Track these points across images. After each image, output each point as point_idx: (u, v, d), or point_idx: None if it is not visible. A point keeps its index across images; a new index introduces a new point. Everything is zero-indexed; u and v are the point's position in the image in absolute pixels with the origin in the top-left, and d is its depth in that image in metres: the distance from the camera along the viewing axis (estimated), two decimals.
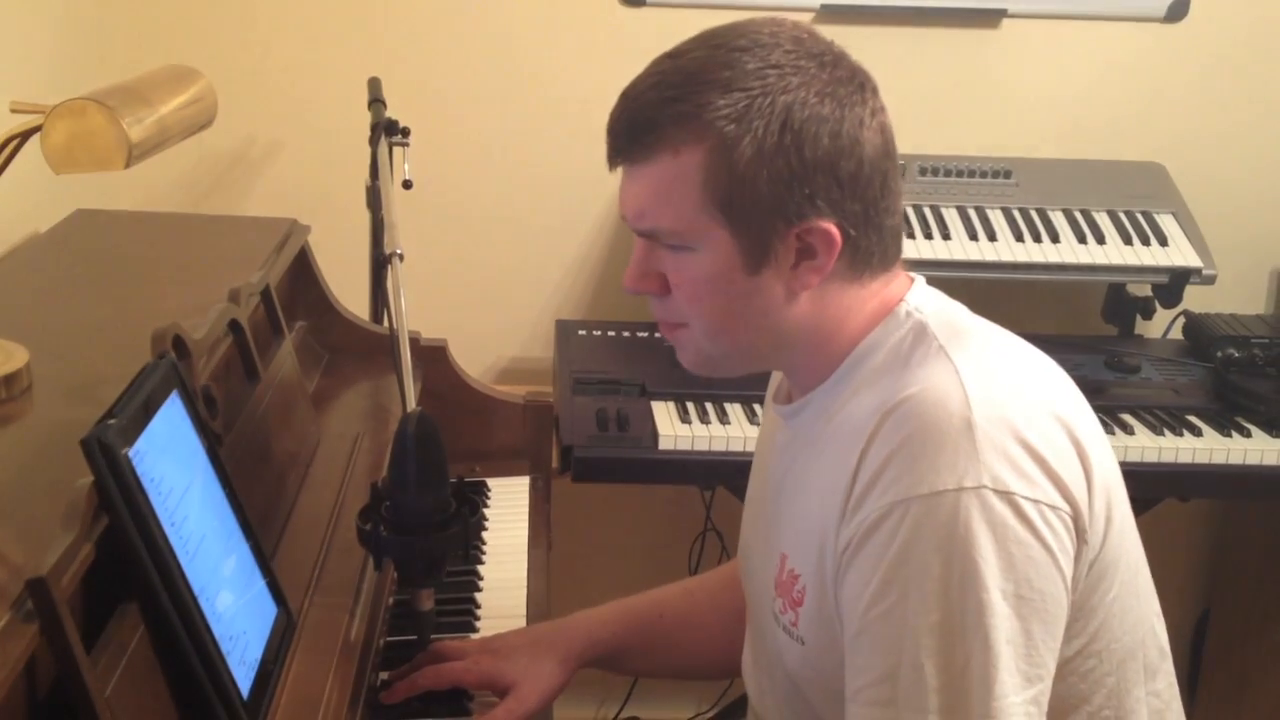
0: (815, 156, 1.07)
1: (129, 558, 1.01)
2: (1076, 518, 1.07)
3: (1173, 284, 2.35)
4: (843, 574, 1.10)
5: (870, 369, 1.14)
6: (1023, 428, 1.06)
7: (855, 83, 1.10)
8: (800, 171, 1.07)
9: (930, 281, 1.22)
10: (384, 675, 1.38)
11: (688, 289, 1.14)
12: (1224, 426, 2.12)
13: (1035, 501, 1.04)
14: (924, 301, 1.17)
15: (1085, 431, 1.11)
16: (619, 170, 1.14)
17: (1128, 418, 2.13)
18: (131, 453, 1.02)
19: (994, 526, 1.02)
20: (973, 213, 2.37)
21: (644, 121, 1.10)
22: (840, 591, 1.11)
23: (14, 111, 1.30)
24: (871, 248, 1.13)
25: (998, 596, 1.02)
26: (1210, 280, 2.35)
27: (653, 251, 1.15)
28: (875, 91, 1.13)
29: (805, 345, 1.16)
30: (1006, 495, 1.03)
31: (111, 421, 1.01)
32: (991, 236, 2.33)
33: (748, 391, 2.11)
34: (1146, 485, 2.05)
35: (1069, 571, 1.07)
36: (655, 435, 2.00)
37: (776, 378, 1.34)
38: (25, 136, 1.29)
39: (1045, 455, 1.06)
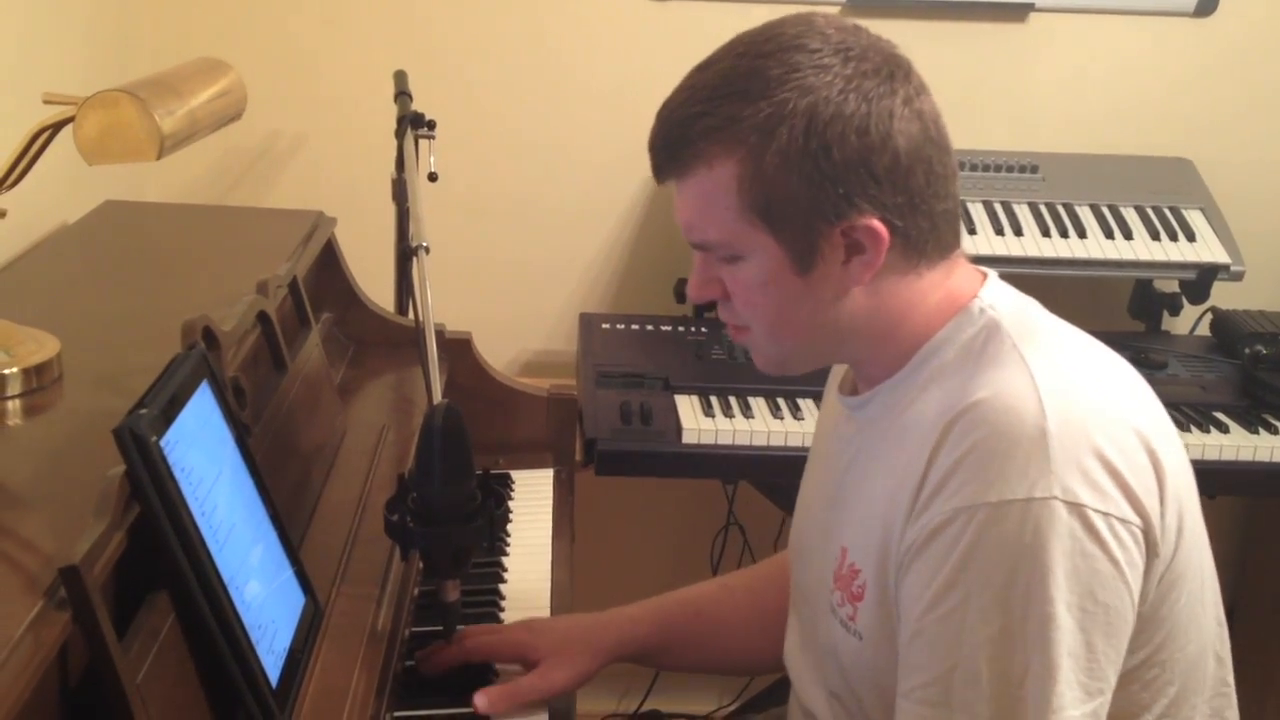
0: (845, 156, 1.07)
1: (160, 546, 1.01)
2: (1147, 531, 1.05)
3: (1200, 280, 2.33)
4: (903, 574, 1.09)
5: (940, 365, 1.13)
6: (1098, 438, 1.04)
7: (884, 73, 1.09)
8: (831, 173, 1.07)
9: None
10: (410, 664, 1.39)
11: (743, 295, 1.15)
12: (1251, 423, 2.10)
13: (1105, 515, 1.03)
14: (998, 298, 1.16)
15: (1161, 442, 1.10)
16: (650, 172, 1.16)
17: None
18: (163, 442, 1.03)
19: (1061, 538, 1.01)
20: (999, 208, 2.37)
21: (677, 139, 1.11)
22: (900, 591, 1.10)
23: (47, 103, 1.31)
24: (924, 236, 1.12)
25: (1062, 609, 1.02)
26: (1238, 276, 2.33)
27: (709, 260, 1.16)
28: (908, 77, 1.11)
29: (867, 340, 1.16)
30: (1076, 507, 1.02)
31: (143, 411, 1.02)
32: (1018, 232, 2.32)
33: (772, 386, 2.11)
34: None
35: (1136, 586, 1.05)
36: (679, 429, 2.00)
37: (840, 368, 1.34)
38: (57, 128, 1.30)
39: (1119, 467, 1.04)
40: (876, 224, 1.08)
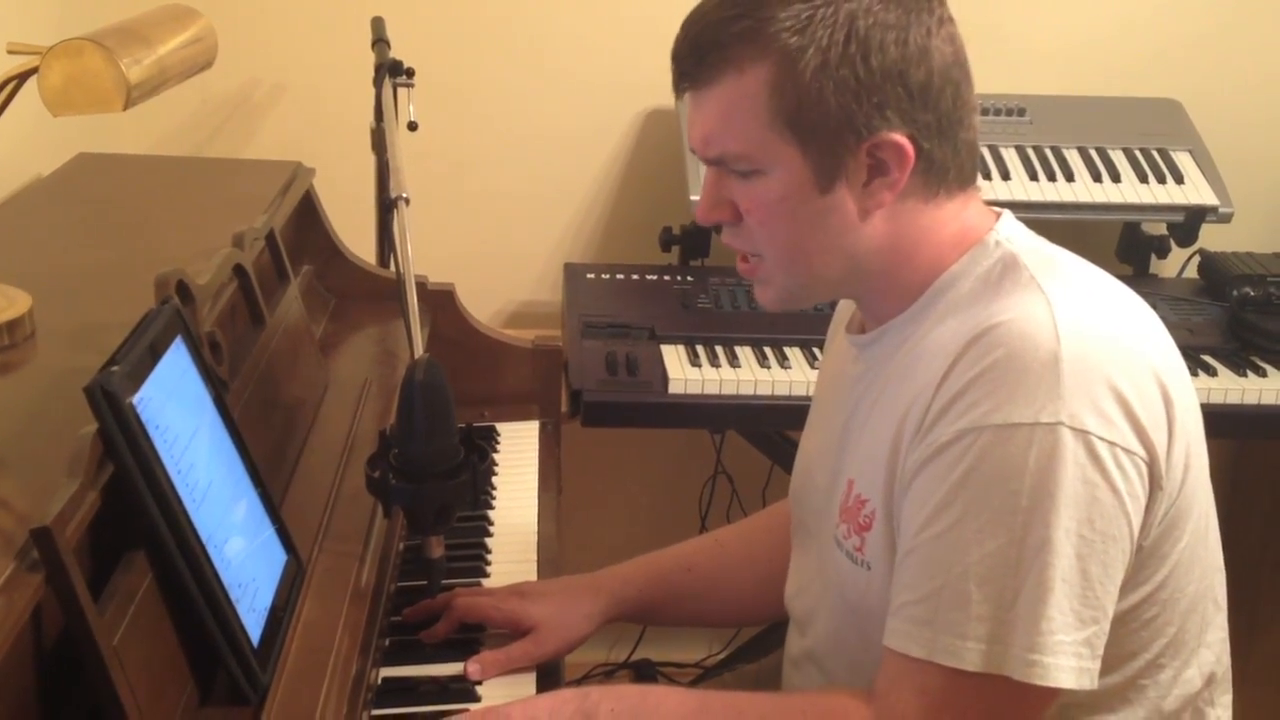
0: (883, 65, 1.06)
1: (135, 505, 1.00)
2: (1152, 463, 1.05)
3: (1188, 222, 2.32)
4: (905, 493, 1.09)
5: (955, 297, 1.12)
6: (1110, 369, 1.04)
7: None
8: (868, 81, 1.06)
9: None
10: (396, 619, 1.38)
11: (759, 214, 1.12)
12: (1239, 366, 2.09)
13: (1110, 443, 1.02)
14: (1014, 233, 1.15)
15: (1174, 379, 1.09)
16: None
17: None
18: (136, 400, 1.01)
19: (1065, 464, 1.01)
20: (986, 151, 2.34)
21: (707, 42, 1.09)
22: (901, 511, 1.10)
23: (11, 53, 1.28)
24: (946, 162, 1.11)
25: (1060, 534, 1.01)
26: (1226, 218, 2.32)
27: (722, 179, 1.14)
28: (941, 2, 1.11)
29: (881, 270, 1.14)
30: (1082, 434, 1.01)
31: (115, 368, 1.00)
32: (1005, 175, 2.30)
33: (758, 335, 2.10)
34: None
35: (1137, 518, 1.05)
36: (665, 379, 1.98)
37: (848, 309, 1.32)
38: (23, 78, 1.27)
39: (1129, 398, 1.04)
40: (903, 141, 1.08)
